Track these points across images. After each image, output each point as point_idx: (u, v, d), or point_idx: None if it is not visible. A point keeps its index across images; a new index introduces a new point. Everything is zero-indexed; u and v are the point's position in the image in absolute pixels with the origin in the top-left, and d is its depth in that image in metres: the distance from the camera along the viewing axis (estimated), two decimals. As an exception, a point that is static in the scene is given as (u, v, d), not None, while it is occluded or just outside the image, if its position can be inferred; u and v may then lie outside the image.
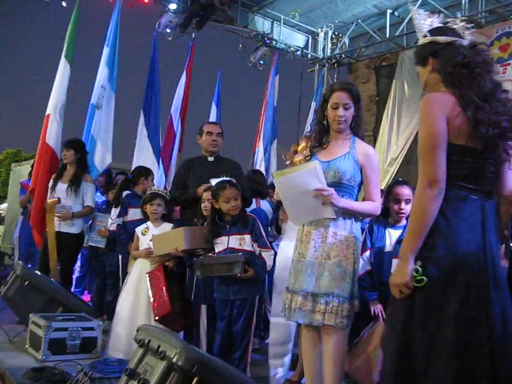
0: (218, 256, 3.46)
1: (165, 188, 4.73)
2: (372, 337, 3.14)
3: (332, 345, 2.68)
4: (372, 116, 9.00)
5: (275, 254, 3.54)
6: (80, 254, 5.71)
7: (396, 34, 8.31)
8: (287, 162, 3.44)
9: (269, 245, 3.54)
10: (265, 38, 8.77)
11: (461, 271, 1.87)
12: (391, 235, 3.36)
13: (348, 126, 2.87)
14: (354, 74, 9.87)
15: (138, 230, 4.11)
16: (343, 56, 9.73)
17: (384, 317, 2.99)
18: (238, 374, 2.37)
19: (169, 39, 8.04)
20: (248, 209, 3.78)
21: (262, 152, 7.94)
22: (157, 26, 7.77)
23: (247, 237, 3.45)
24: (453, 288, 1.86)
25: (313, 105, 8.83)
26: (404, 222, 3.36)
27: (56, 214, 4.98)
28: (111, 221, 4.85)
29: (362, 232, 3.14)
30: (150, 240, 3.93)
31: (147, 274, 3.84)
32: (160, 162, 6.97)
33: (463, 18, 2.12)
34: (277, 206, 3.64)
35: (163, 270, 3.83)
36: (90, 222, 5.45)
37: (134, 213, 4.68)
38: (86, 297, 6.33)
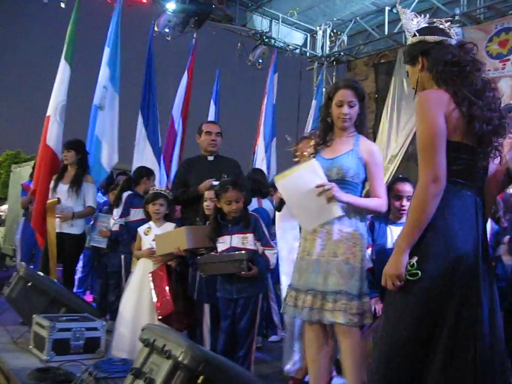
0: (222, 254, 3.47)
1: (167, 188, 4.74)
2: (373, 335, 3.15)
3: (348, 345, 2.66)
4: (371, 113, 8.99)
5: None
6: (82, 255, 5.72)
7: (395, 31, 8.31)
8: (295, 159, 3.42)
9: (271, 243, 3.55)
10: (264, 37, 8.78)
11: (459, 271, 1.89)
12: (393, 232, 3.36)
13: (353, 124, 2.87)
14: (353, 72, 9.87)
15: (141, 230, 4.12)
16: (342, 53, 9.75)
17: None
18: (243, 372, 2.38)
19: (168, 38, 8.05)
20: (250, 209, 3.78)
21: (262, 151, 7.91)
22: (155, 26, 7.78)
23: (250, 236, 3.45)
24: (451, 287, 1.89)
25: (314, 103, 8.84)
26: (404, 218, 3.36)
27: (56, 215, 5.00)
28: (113, 221, 4.86)
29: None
30: (153, 240, 3.94)
31: (150, 274, 3.85)
32: (162, 162, 6.98)
33: (448, 19, 2.18)
34: (279, 204, 3.64)
35: (166, 269, 3.84)
36: (92, 222, 5.46)
37: (136, 213, 4.69)
38: (88, 297, 6.35)
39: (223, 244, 3.48)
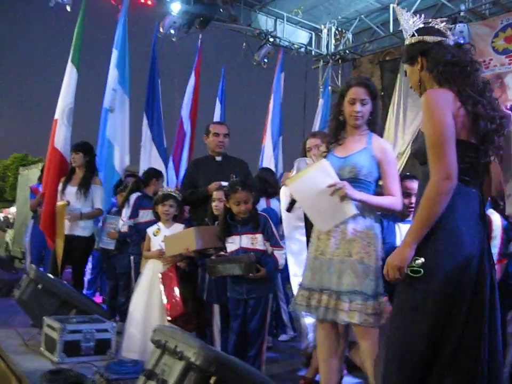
0: (230, 256, 3.47)
1: (177, 188, 4.74)
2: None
3: (368, 346, 2.64)
4: (377, 111, 8.98)
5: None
6: (91, 257, 5.74)
7: (400, 28, 8.22)
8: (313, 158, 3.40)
9: (280, 243, 3.54)
10: (269, 36, 8.77)
11: (469, 270, 1.90)
12: (401, 229, 3.34)
13: (365, 122, 2.84)
14: (358, 70, 9.86)
15: (150, 230, 4.12)
16: (347, 52, 9.74)
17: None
18: (255, 371, 2.37)
19: (174, 40, 8.06)
20: (259, 209, 3.78)
21: (270, 149, 7.88)
22: (160, 28, 7.78)
23: (259, 236, 3.45)
24: (462, 287, 1.89)
25: (321, 102, 8.82)
26: (412, 215, 3.34)
27: (66, 217, 5.02)
28: (122, 222, 4.87)
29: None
30: (162, 241, 3.94)
31: (160, 275, 3.86)
32: (171, 162, 6.98)
33: (443, 19, 2.20)
34: (290, 205, 3.61)
35: (175, 270, 3.85)
36: (100, 224, 5.48)
37: (145, 214, 4.70)
38: (98, 299, 6.37)
39: (233, 244, 3.48)
